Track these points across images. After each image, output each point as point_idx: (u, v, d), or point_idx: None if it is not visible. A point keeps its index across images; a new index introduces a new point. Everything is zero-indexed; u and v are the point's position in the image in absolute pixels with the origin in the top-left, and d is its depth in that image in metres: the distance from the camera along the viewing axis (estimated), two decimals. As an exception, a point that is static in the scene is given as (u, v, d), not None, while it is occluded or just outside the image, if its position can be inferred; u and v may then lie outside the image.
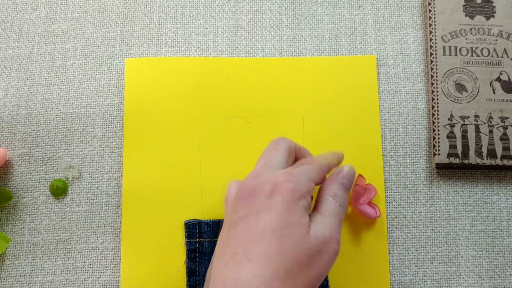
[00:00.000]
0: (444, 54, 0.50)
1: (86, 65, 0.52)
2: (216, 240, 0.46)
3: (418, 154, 0.49)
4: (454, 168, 0.49)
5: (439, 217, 0.48)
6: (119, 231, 0.48)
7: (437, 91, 0.49)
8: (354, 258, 0.47)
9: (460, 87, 0.49)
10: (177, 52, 0.52)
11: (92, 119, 0.50)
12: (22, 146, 0.50)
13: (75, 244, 0.48)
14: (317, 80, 0.51)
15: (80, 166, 0.49)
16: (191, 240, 0.46)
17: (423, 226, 0.48)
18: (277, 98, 0.50)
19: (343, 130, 0.49)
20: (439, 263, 0.47)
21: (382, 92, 0.51)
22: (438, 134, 0.48)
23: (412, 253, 0.47)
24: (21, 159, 0.50)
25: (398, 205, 0.48)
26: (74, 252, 0.47)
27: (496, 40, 0.50)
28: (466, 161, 0.47)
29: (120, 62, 0.52)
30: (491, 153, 0.47)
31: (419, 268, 0.47)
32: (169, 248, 0.47)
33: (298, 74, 0.51)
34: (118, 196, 0.49)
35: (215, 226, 0.46)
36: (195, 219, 0.47)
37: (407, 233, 0.48)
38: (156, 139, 0.49)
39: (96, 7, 0.54)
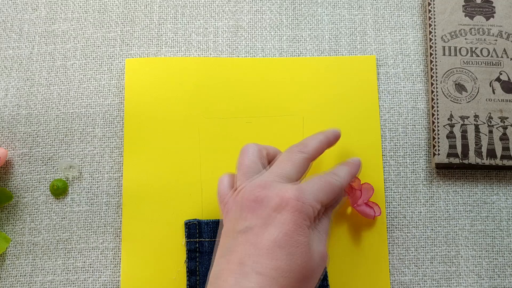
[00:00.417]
0: (444, 54, 0.50)
1: (86, 65, 0.52)
2: (217, 240, 0.46)
3: (418, 154, 0.49)
4: (454, 168, 0.49)
5: (439, 217, 0.48)
6: (119, 231, 0.48)
7: (437, 91, 0.49)
8: (354, 258, 0.47)
9: (460, 87, 0.49)
10: (177, 52, 0.52)
11: (92, 119, 0.50)
12: (23, 146, 0.50)
13: (75, 244, 0.48)
14: (317, 80, 0.51)
15: (81, 166, 0.49)
16: (191, 240, 0.46)
17: (423, 226, 0.48)
18: (277, 98, 0.50)
19: (343, 130, 0.49)
20: (439, 263, 0.47)
21: (382, 92, 0.51)
22: (438, 134, 0.48)
23: (412, 253, 0.47)
24: (22, 159, 0.50)
25: (398, 205, 0.48)
26: (74, 252, 0.48)
27: (496, 40, 0.50)
28: (466, 161, 0.47)
29: (120, 62, 0.52)
30: (491, 153, 0.48)
31: (419, 268, 0.47)
32: (169, 248, 0.47)
33: (298, 74, 0.51)
34: (118, 196, 0.49)
35: (215, 226, 0.46)
36: (195, 219, 0.47)
37: (407, 233, 0.48)
38: (156, 139, 0.49)
39: (96, 7, 0.54)
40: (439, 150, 0.48)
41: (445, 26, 0.51)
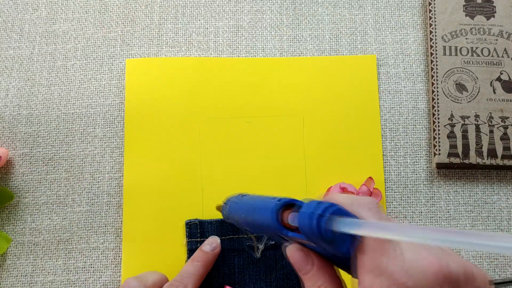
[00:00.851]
0: (445, 54, 0.50)
1: (87, 65, 0.52)
2: (221, 239, 0.46)
3: (418, 154, 0.49)
4: (455, 168, 0.49)
5: (439, 217, 0.48)
6: (120, 231, 0.48)
7: (438, 91, 0.49)
8: (354, 258, 0.47)
9: (461, 87, 0.49)
10: (177, 52, 0.52)
11: (93, 119, 0.50)
12: (23, 146, 0.50)
13: (76, 244, 0.48)
14: (317, 80, 0.51)
15: (81, 166, 0.49)
16: (192, 239, 0.46)
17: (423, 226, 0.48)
18: (277, 98, 0.50)
19: (343, 130, 0.49)
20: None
21: (383, 92, 0.51)
22: (439, 134, 0.48)
23: (413, 253, 0.47)
24: (22, 159, 0.50)
25: (399, 205, 0.48)
26: (75, 252, 0.48)
27: (497, 40, 0.50)
28: (466, 161, 0.47)
29: (121, 62, 0.52)
30: (492, 153, 0.47)
31: (420, 268, 0.47)
32: (169, 248, 0.47)
33: (298, 74, 0.51)
34: (119, 196, 0.49)
35: (219, 226, 0.47)
36: (196, 219, 0.47)
37: (408, 233, 0.48)
38: (156, 139, 0.49)
39: (97, 8, 0.54)
40: (439, 150, 0.48)
41: (445, 25, 0.51)
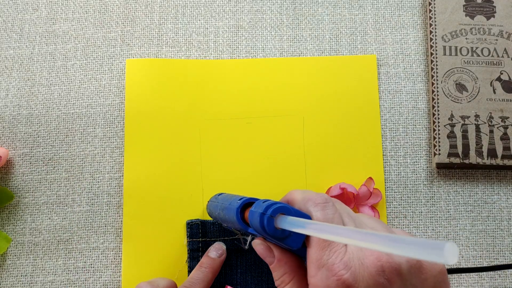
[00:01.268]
0: (445, 54, 0.50)
1: (87, 65, 0.52)
2: (222, 239, 0.46)
3: (418, 154, 0.49)
4: (455, 168, 0.49)
5: (439, 217, 0.48)
6: (120, 231, 0.48)
7: (438, 91, 0.49)
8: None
9: (461, 87, 0.49)
10: (177, 52, 0.52)
11: (93, 119, 0.50)
12: (24, 146, 0.50)
13: (76, 244, 0.48)
14: (317, 80, 0.51)
15: (81, 166, 0.49)
16: (193, 239, 0.46)
17: (424, 226, 0.48)
18: (277, 98, 0.50)
19: (344, 130, 0.50)
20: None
21: (383, 92, 0.51)
22: (439, 134, 0.48)
23: (413, 252, 0.47)
24: (22, 159, 0.50)
25: (399, 205, 0.48)
26: (75, 252, 0.48)
27: (497, 40, 0.50)
28: (466, 161, 0.47)
29: (121, 62, 0.52)
30: (492, 153, 0.47)
31: (420, 268, 0.47)
32: (170, 248, 0.47)
33: (298, 74, 0.51)
34: (119, 196, 0.49)
35: (220, 226, 0.47)
36: (198, 219, 0.47)
37: (408, 232, 0.48)
38: (157, 139, 0.49)
39: (97, 8, 0.54)
40: (439, 149, 0.48)
41: (445, 25, 0.51)
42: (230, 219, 0.37)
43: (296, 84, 0.51)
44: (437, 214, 0.48)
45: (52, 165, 0.50)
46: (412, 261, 0.30)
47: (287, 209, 0.32)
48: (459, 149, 0.48)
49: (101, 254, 0.48)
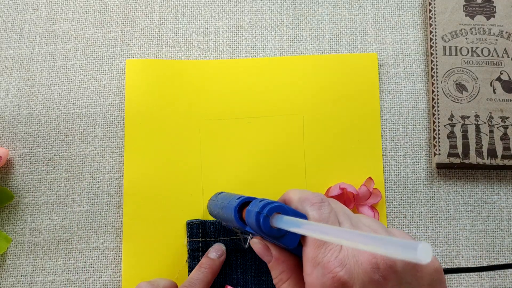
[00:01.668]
0: (445, 54, 0.50)
1: (87, 65, 0.52)
2: (222, 239, 0.46)
3: (418, 154, 0.49)
4: (455, 168, 0.49)
5: (439, 217, 0.48)
6: (120, 231, 0.48)
7: (438, 91, 0.49)
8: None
9: (461, 87, 0.49)
10: (177, 52, 0.52)
11: (93, 119, 0.50)
12: (24, 146, 0.50)
13: (76, 244, 0.48)
14: (317, 79, 0.51)
15: (81, 166, 0.49)
16: (194, 239, 0.46)
17: (424, 226, 0.48)
18: (277, 98, 0.50)
19: (344, 129, 0.49)
20: (440, 263, 0.47)
21: (383, 92, 0.51)
22: (439, 134, 0.48)
23: (413, 252, 0.47)
24: (22, 159, 0.50)
25: (399, 205, 0.48)
26: (75, 252, 0.48)
27: (497, 40, 0.50)
28: (466, 161, 0.47)
29: (121, 62, 0.52)
30: (492, 153, 0.47)
31: (420, 268, 0.47)
32: (170, 248, 0.47)
33: (298, 73, 0.51)
34: (119, 196, 0.49)
35: (221, 226, 0.47)
36: (198, 219, 0.47)
37: (408, 233, 0.48)
38: (157, 140, 0.49)
39: (97, 8, 0.54)
40: (439, 149, 0.48)
41: (445, 25, 0.51)
42: (228, 217, 0.38)
43: (296, 83, 0.51)
44: (437, 214, 0.48)
45: (52, 165, 0.50)
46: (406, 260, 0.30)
47: (283, 208, 0.32)
48: (459, 149, 0.48)
49: (101, 254, 0.48)
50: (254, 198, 0.36)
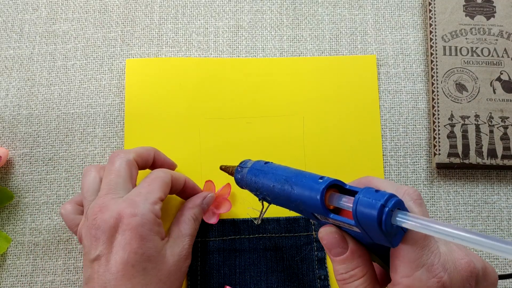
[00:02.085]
0: (445, 54, 0.50)
1: (87, 65, 0.52)
2: (222, 239, 0.46)
3: (418, 154, 0.49)
4: (455, 168, 0.49)
5: (439, 217, 0.48)
6: (120, 231, 0.48)
7: (438, 91, 0.49)
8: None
9: (461, 87, 0.49)
10: (177, 52, 0.52)
11: (93, 119, 0.50)
12: (23, 146, 0.50)
13: (76, 244, 0.48)
14: (317, 80, 0.51)
15: (81, 166, 0.49)
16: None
17: (424, 226, 0.48)
18: (277, 98, 0.50)
19: (343, 130, 0.50)
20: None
21: (383, 92, 0.51)
22: (439, 134, 0.48)
23: (413, 252, 0.47)
24: (22, 159, 0.50)
25: (399, 205, 0.48)
26: (75, 252, 0.48)
27: (497, 40, 0.50)
28: (466, 161, 0.47)
29: (121, 62, 0.52)
30: (492, 153, 0.48)
31: (420, 268, 0.47)
32: (170, 248, 0.47)
33: (298, 74, 0.51)
34: (119, 196, 0.49)
35: (220, 226, 0.47)
36: (196, 219, 0.47)
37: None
38: (157, 139, 0.49)
39: (97, 8, 0.54)
40: (439, 150, 0.48)
41: (445, 25, 0.51)
42: (296, 197, 0.32)
43: (296, 84, 0.51)
44: (437, 214, 0.48)
45: (52, 165, 0.50)
46: (484, 267, 0.30)
47: (401, 203, 0.28)
48: (459, 149, 0.48)
49: (101, 254, 0.48)
50: (339, 181, 0.32)
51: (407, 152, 0.50)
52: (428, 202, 0.48)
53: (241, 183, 0.40)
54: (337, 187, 0.32)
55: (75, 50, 0.53)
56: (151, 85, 0.50)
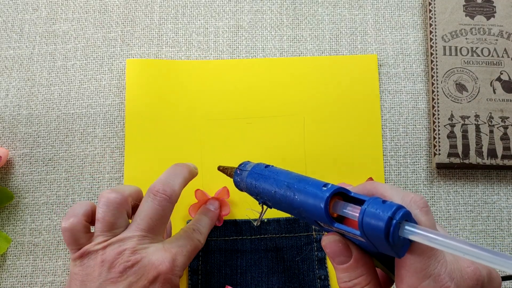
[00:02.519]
0: (445, 54, 0.50)
1: (87, 65, 0.52)
2: (224, 239, 0.46)
3: (418, 154, 0.49)
4: (455, 168, 0.49)
5: (439, 217, 0.48)
6: (120, 231, 0.48)
7: (438, 91, 0.49)
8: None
9: (461, 87, 0.49)
10: (177, 52, 0.52)
11: (93, 119, 0.50)
12: (24, 146, 0.50)
13: (76, 244, 0.48)
14: (318, 80, 0.51)
15: (81, 166, 0.49)
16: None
17: (424, 225, 0.48)
18: (277, 98, 0.50)
19: (344, 130, 0.50)
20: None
21: (383, 92, 0.51)
22: (439, 134, 0.48)
23: (413, 252, 0.47)
24: (22, 159, 0.50)
25: (399, 205, 0.48)
26: (75, 252, 0.47)
27: (497, 40, 0.50)
28: (466, 161, 0.47)
29: (121, 63, 0.52)
30: (492, 153, 0.48)
31: (420, 268, 0.47)
32: (170, 248, 0.47)
33: (298, 74, 0.51)
34: (119, 196, 0.49)
35: (221, 227, 0.47)
36: (196, 219, 0.47)
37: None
38: (157, 140, 0.49)
39: (97, 8, 0.54)
40: (439, 150, 0.48)
41: (445, 25, 0.51)
42: (299, 204, 0.31)
43: (296, 84, 0.51)
44: (437, 214, 0.48)
45: (52, 165, 0.49)
46: (489, 273, 0.30)
47: (409, 214, 0.27)
48: (459, 149, 0.48)
49: (101, 254, 0.47)
50: (344, 188, 0.31)
51: (407, 152, 0.50)
52: (428, 202, 0.48)
53: (240, 186, 0.39)
54: (341, 194, 0.31)
55: (75, 50, 0.53)
56: (152, 85, 0.50)
